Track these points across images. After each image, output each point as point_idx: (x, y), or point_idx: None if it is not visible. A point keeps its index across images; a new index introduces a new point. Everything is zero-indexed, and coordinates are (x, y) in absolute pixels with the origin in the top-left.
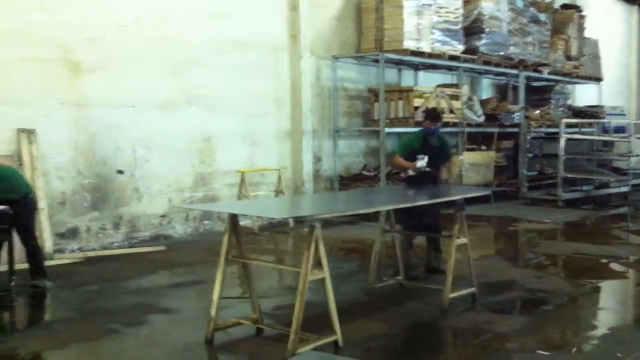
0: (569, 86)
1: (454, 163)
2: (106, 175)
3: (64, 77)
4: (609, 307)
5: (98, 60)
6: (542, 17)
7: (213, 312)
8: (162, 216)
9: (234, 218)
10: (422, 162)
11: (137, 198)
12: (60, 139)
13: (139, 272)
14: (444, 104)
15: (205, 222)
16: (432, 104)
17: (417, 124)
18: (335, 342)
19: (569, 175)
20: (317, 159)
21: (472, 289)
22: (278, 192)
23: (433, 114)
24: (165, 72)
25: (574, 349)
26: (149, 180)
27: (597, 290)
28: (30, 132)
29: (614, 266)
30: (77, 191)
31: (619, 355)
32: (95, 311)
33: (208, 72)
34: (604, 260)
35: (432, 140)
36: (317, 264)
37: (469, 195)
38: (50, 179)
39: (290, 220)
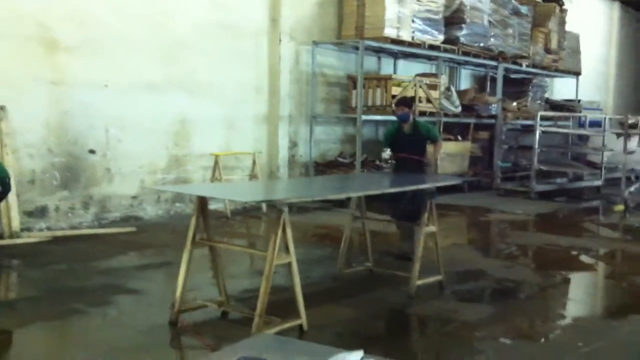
0: (548, 79)
1: (438, 147)
2: (77, 155)
3: (40, 54)
4: (576, 298)
5: (77, 39)
6: (524, 9)
7: (178, 294)
8: (133, 197)
9: (202, 200)
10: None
11: (109, 178)
12: (32, 116)
13: (108, 252)
14: (422, 93)
15: (177, 204)
16: (410, 93)
17: (394, 112)
18: (300, 326)
19: (542, 168)
20: (293, 145)
21: (440, 277)
22: (252, 176)
23: (399, 100)
24: (145, 53)
25: (538, 338)
26: (121, 160)
27: (565, 281)
28: (0, 108)
29: (584, 258)
30: (47, 170)
31: (580, 344)
32: (62, 291)
33: (190, 55)
34: (574, 253)
35: (405, 127)
36: (285, 249)
37: (440, 184)
38: (20, 156)
39: (263, 205)
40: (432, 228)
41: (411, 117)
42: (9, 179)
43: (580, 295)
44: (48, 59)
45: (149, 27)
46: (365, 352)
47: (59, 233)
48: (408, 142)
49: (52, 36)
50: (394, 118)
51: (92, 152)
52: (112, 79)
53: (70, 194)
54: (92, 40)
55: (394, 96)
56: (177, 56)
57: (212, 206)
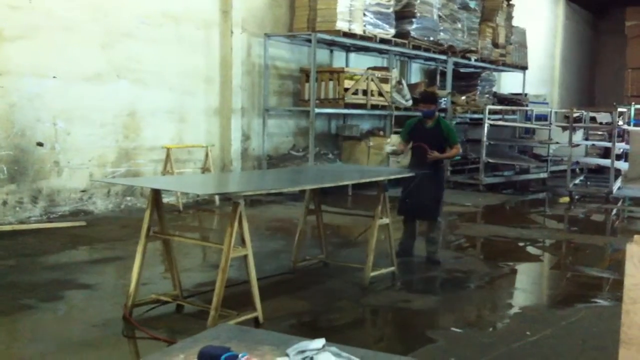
0: (495, 73)
1: (453, 151)
2: (25, 148)
3: None
4: (523, 288)
5: (22, 28)
6: (472, 4)
7: (132, 288)
8: (83, 191)
9: (156, 194)
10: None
11: (57, 172)
12: None
13: (58, 247)
14: (373, 87)
15: (128, 198)
16: (362, 86)
17: (346, 105)
18: (256, 319)
19: (491, 161)
20: (246, 138)
21: (393, 268)
22: (204, 169)
23: (424, 96)
24: (93, 43)
25: (487, 327)
26: (70, 153)
27: (513, 271)
28: None
29: (530, 249)
30: None
31: (528, 333)
32: (11, 286)
33: (138, 45)
34: (521, 244)
35: (427, 123)
36: (241, 241)
37: (392, 177)
38: None
39: (216, 198)
40: (385, 220)
41: (436, 114)
42: None
43: (528, 285)
44: None
45: (94, 16)
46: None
47: (7, 227)
48: (426, 138)
49: None
50: (345, 111)
51: (40, 145)
52: (59, 70)
53: (18, 188)
54: (36, 28)
55: (346, 89)
56: (124, 46)
57: (163, 199)
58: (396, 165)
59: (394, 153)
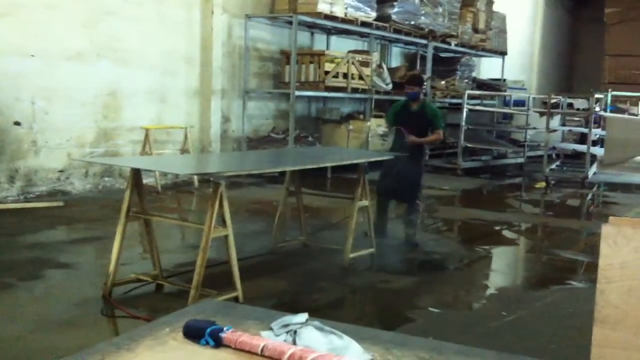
0: (475, 59)
1: (435, 136)
2: (2, 127)
3: None
4: (500, 270)
5: (4, 6)
6: None
7: (112, 267)
8: (61, 171)
9: (136, 173)
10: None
11: (35, 151)
12: None
13: (36, 227)
14: (354, 70)
15: (106, 179)
16: (342, 70)
17: (327, 88)
18: (236, 298)
19: (469, 145)
20: (226, 119)
21: (372, 250)
22: (183, 151)
23: (410, 78)
24: (74, 22)
25: (465, 308)
26: (48, 133)
27: (489, 254)
28: None
29: (507, 233)
30: None
31: (504, 313)
32: None
33: (119, 23)
34: (498, 227)
35: (412, 106)
36: (222, 222)
37: (372, 159)
38: None
39: (195, 179)
40: (364, 202)
41: (421, 97)
42: None
43: (504, 267)
44: None
45: None
46: None
47: None
48: (410, 121)
49: None
50: (324, 94)
51: (17, 124)
52: (38, 48)
53: None
54: (18, 6)
55: (327, 72)
56: (103, 24)
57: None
58: (381, 147)
59: (386, 135)
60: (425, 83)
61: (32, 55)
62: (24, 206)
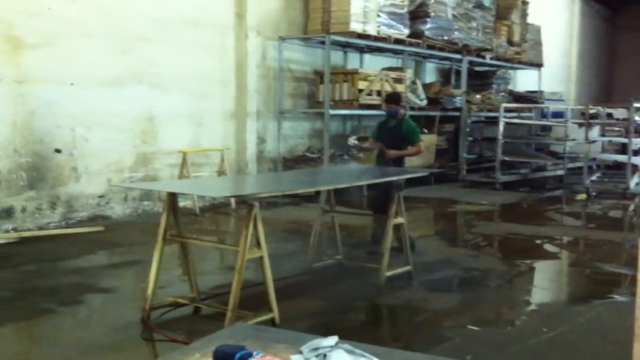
0: (511, 71)
1: (414, 149)
2: (44, 154)
3: (4, 52)
4: (541, 285)
5: (41, 35)
6: (486, 2)
7: (150, 291)
8: (101, 196)
9: (172, 197)
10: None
11: (75, 178)
12: None
13: (77, 252)
14: (388, 87)
15: (145, 202)
16: (376, 87)
17: (361, 106)
18: (273, 320)
19: (506, 159)
20: (261, 140)
21: (409, 267)
22: (220, 173)
23: (387, 97)
24: (110, 48)
25: (505, 325)
26: (87, 159)
27: (530, 269)
28: None
29: (548, 247)
30: (13, 170)
31: (544, 329)
32: (32, 291)
33: (154, 49)
34: (538, 241)
35: (391, 122)
36: (256, 243)
37: (407, 177)
38: None
39: (232, 201)
40: (400, 219)
41: (400, 113)
42: None
43: (545, 282)
44: (12, 57)
45: (109, 20)
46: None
47: (26, 234)
48: (387, 136)
49: (15, 33)
50: (359, 112)
51: (58, 151)
52: (77, 76)
53: (37, 194)
54: (54, 35)
55: (360, 90)
56: (140, 50)
57: (180, 203)
58: (360, 163)
59: (365, 149)
60: (402, 101)
61: (72, 84)
62: (65, 232)
